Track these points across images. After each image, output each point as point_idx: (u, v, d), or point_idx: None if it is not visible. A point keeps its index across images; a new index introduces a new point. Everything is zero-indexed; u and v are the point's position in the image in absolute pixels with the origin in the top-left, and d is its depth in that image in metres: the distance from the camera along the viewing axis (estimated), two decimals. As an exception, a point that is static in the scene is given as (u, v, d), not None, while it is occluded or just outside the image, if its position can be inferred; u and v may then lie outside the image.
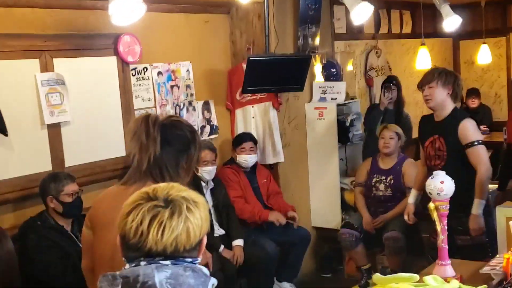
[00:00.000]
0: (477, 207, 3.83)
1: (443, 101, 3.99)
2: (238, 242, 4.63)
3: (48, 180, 3.61)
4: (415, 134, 5.13)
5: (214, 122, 5.20)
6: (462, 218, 3.92)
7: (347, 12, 6.49)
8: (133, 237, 1.54)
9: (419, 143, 4.40)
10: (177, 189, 1.62)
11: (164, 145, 2.29)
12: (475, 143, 3.90)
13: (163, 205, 1.56)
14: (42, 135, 3.91)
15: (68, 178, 3.65)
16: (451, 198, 3.66)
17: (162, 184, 1.64)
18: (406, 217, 4.39)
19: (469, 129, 3.94)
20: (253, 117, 5.24)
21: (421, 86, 4.05)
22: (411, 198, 4.40)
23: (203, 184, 4.63)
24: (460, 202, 3.53)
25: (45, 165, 3.91)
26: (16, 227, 3.63)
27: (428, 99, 3.99)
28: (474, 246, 3.96)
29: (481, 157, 3.90)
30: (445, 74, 4.01)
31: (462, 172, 3.82)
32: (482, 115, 7.73)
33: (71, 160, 4.06)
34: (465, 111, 4.21)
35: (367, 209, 5.15)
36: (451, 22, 3.64)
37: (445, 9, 3.58)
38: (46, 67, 3.91)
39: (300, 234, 5.03)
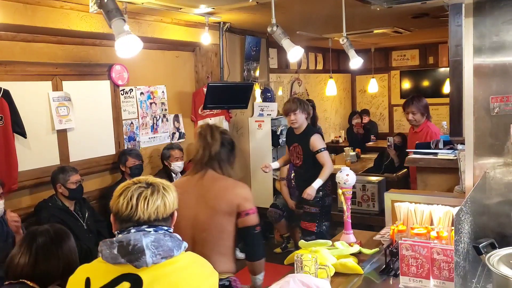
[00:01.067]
0: (316, 182, 3.93)
1: (303, 121, 4.11)
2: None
3: (57, 172, 3.55)
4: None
5: (182, 130, 5.16)
6: (309, 201, 4.04)
7: (278, 52, 6.62)
8: (125, 210, 1.51)
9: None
10: (154, 178, 1.61)
11: (221, 146, 2.33)
12: (320, 149, 4.03)
13: (146, 186, 1.55)
14: (53, 137, 3.83)
15: (73, 170, 3.59)
16: (305, 184, 3.98)
17: (141, 177, 1.62)
18: (262, 167, 4.37)
19: (316, 141, 4.04)
20: (210, 127, 5.20)
21: (287, 112, 4.11)
22: (274, 164, 4.43)
23: (173, 175, 4.58)
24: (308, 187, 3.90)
25: (54, 160, 3.83)
26: (32, 206, 3.54)
27: (294, 122, 4.09)
28: (310, 214, 4.14)
29: (325, 158, 4.02)
30: (303, 103, 4.13)
31: (312, 167, 4.02)
32: (371, 128, 7.93)
33: (74, 156, 4.00)
34: (314, 128, 4.28)
35: (290, 195, 5.18)
36: (356, 62, 3.75)
37: (352, 53, 3.68)
38: (56, 87, 3.85)
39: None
